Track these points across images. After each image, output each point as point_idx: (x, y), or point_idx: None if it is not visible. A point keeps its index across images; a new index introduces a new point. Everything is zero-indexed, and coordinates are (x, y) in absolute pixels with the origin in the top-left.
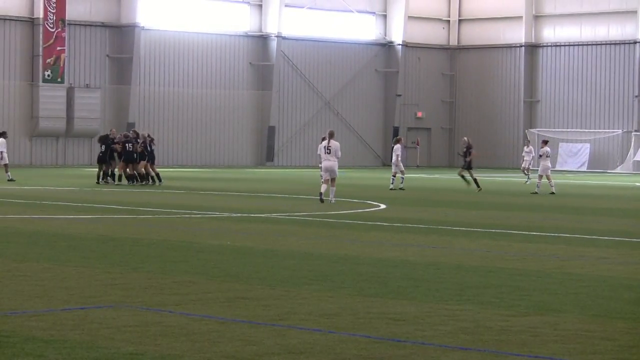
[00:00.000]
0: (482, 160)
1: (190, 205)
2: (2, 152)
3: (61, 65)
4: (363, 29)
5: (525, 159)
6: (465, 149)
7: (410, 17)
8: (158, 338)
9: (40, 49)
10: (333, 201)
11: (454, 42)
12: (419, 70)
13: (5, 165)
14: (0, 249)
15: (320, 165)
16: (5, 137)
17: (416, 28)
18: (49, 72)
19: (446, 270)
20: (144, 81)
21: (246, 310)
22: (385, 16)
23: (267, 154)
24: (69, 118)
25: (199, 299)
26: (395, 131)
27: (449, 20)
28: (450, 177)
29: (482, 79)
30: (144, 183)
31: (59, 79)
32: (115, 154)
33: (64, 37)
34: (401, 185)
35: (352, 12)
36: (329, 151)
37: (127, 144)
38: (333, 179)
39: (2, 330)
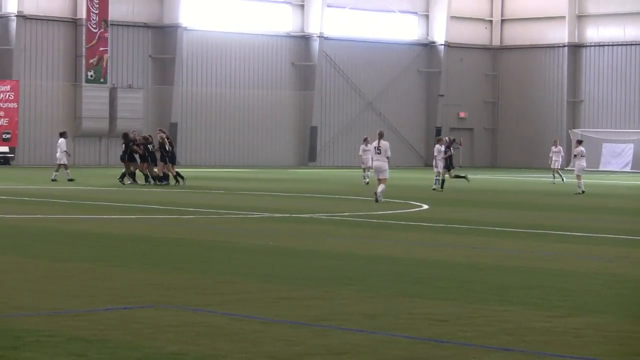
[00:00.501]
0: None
1: (232, 206)
2: (64, 151)
3: (104, 65)
4: (405, 29)
5: (553, 159)
6: (445, 148)
7: (452, 17)
8: (200, 338)
9: (83, 49)
10: (382, 200)
11: (496, 42)
12: (462, 70)
13: (64, 164)
14: (43, 249)
15: (362, 165)
16: (65, 137)
17: (458, 28)
18: (91, 73)
19: (488, 270)
20: (186, 82)
21: (288, 311)
22: (427, 16)
23: (309, 154)
24: (112, 118)
25: (240, 299)
26: (438, 131)
27: (491, 20)
28: (492, 178)
29: (525, 79)
30: (164, 183)
31: (101, 80)
32: (137, 155)
33: (107, 38)
34: (434, 186)
35: (394, 12)
36: (379, 151)
37: (148, 146)
38: (383, 179)
39: (44, 330)
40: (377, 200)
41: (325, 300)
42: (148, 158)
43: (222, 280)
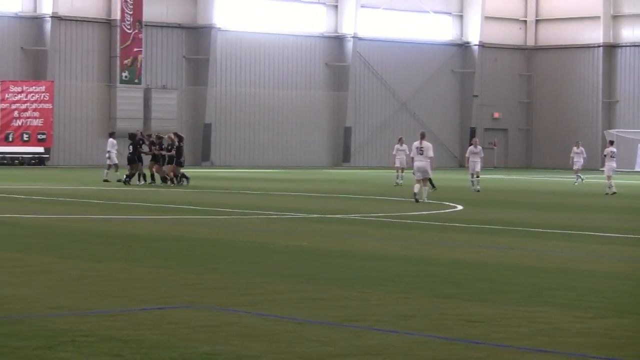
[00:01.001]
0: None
1: (266, 206)
2: (109, 151)
3: (138, 66)
4: (439, 30)
5: (574, 159)
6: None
7: (486, 18)
8: (234, 338)
9: (118, 50)
10: (425, 200)
11: (531, 42)
12: (496, 70)
13: (115, 164)
14: (78, 249)
15: (395, 165)
16: (114, 138)
17: (493, 28)
18: (126, 74)
19: (522, 271)
20: (220, 82)
21: (322, 311)
22: (461, 16)
23: (344, 155)
24: (146, 119)
25: (274, 299)
26: (472, 132)
27: (525, 21)
28: (527, 179)
29: (560, 80)
30: (177, 183)
31: (136, 80)
32: (145, 155)
33: (141, 39)
34: (477, 187)
35: (428, 12)
36: (421, 152)
37: (161, 146)
38: (425, 179)
39: (80, 330)
40: (417, 201)
41: (359, 300)
42: (159, 159)
43: (256, 281)
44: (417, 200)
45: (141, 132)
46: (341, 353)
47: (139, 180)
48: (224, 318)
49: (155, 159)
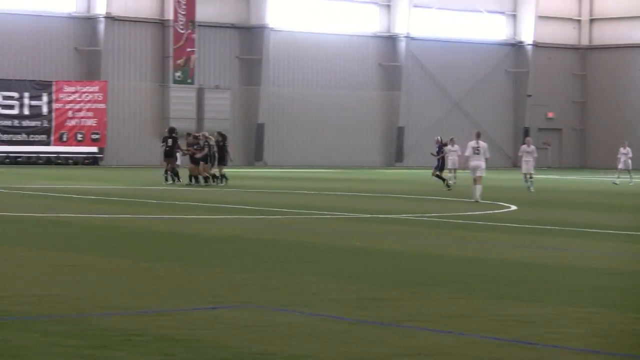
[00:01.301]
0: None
1: (318, 206)
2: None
3: (191, 66)
4: (492, 29)
5: (621, 160)
6: (437, 149)
7: (540, 17)
8: (286, 338)
9: (171, 50)
10: (480, 200)
11: (585, 41)
12: (550, 70)
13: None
14: (132, 249)
15: (447, 166)
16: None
17: (546, 28)
18: (179, 74)
19: (577, 272)
20: (272, 82)
21: (375, 311)
22: (514, 16)
23: (396, 155)
24: (199, 119)
25: (327, 299)
26: (526, 132)
27: (579, 20)
28: (581, 179)
29: (614, 79)
30: (206, 182)
31: (189, 80)
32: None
33: (194, 39)
34: (531, 188)
35: (482, 12)
36: (477, 151)
37: (197, 145)
38: (480, 178)
39: (134, 329)
40: (477, 201)
41: (413, 301)
42: (207, 158)
43: (309, 281)
44: (477, 201)
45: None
46: (393, 353)
47: (166, 179)
48: (276, 318)
49: (193, 159)
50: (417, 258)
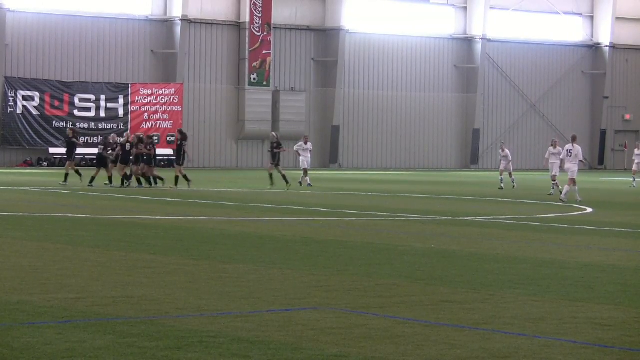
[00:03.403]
0: None
1: (394, 208)
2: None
3: (267, 68)
4: (569, 31)
5: (635, 161)
6: (274, 145)
7: (617, 18)
8: (362, 340)
9: (247, 52)
10: (580, 199)
11: None
12: (627, 72)
13: (304, 169)
14: (208, 250)
15: (551, 174)
16: (306, 141)
17: (624, 29)
18: (254, 76)
19: None
20: (348, 84)
21: (450, 314)
22: (592, 17)
23: (472, 157)
24: (275, 121)
25: (403, 301)
26: (602, 134)
27: None
28: None
29: None
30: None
31: (264, 82)
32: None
33: (270, 41)
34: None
35: (559, 13)
36: (570, 154)
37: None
38: (573, 180)
39: (209, 331)
40: (577, 201)
41: (488, 303)
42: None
43: (385, 283)
44: (577, 201)
45: (113, 136)
46: (469, 356)
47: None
48: (352, 320)
49: (137, 160)
50: (493, 260)
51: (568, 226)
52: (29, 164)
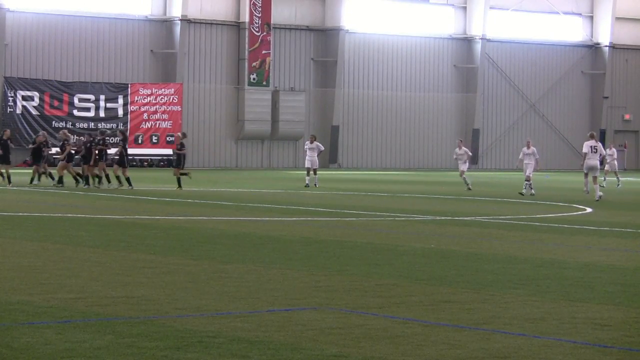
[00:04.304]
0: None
1: (394, 208)
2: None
3: (266, 68)
4: (569, 31)
5: (608, 161)
6: (179, 146)
7: (617, 18)
8: (362, 340)
9: (246, 52)
10: (598, 197)
11: None
12: (627, 72)
13: (315, 169)
14: (207, 250)
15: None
16: (312, 141)
17: (624, 29)
18: (254, 76)
19: None
20: (348, 84)
21: (450, 314)
22: (591, 17)
23: (472, 157)
24: (274, 121)
25: (402, 301)
26: (602, 134)
27: None
28: None
29: None
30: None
31: (264, 82)
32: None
33: (270, 41)
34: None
35: (558, 13)
36: (595, 150)
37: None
38: (595, 177)
39: (208, 331)
40: (587, 192)
41: (488, 303)
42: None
43: (384, 283)
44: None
45: (44, 134)
46: (469, 356)
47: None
48: (352, 320)
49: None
50: (492, 260)
51: (568, 226)
52: (29, 164)
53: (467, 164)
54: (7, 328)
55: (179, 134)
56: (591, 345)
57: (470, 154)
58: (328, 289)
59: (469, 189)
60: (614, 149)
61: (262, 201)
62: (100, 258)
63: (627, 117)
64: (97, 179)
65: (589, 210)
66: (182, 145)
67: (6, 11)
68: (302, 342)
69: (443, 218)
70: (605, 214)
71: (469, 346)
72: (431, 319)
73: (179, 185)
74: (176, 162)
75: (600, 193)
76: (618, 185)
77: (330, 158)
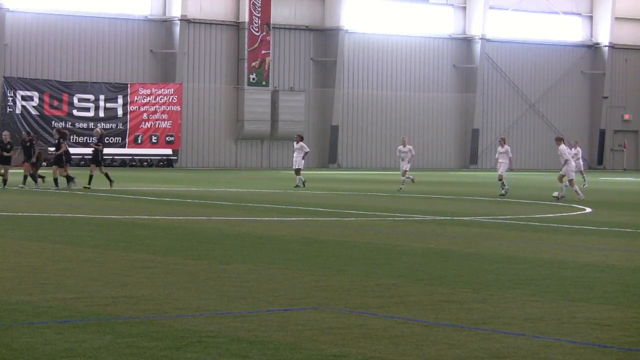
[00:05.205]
0: None
1: (393, 208)
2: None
3: (266, 68)
4: (569, 31)
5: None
6: (97, 141)
7: (617, 18)
8: (361, 340)
9: (246, 52)
10: (558, 195)
11: None
12: (626, 72)
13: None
14: (207, 250)
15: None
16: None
17: (623, 29)
18: (254, 76)
19: None
20: (347, 84)
21: (450, 314)
22: (591, 17)
23: (471, 157)
24: (273, 121)
25: (402, 301)
26: (602, 134)
27: None
28: None
29: None
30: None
31: (263, 82)
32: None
33: (269, 41)
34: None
35: (558, 13)
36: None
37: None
38: (562, 176)
39: (208, 331)
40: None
41: (488, 303)
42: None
43: (384, 283)
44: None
45: (29, 133)
46: (468, 356)
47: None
48: (352, 320)
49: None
50: (492, 260)
51: (567, 226)
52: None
53: (410, 163)
54: (6, 328)
55: (99, 129)
56: (591, 345)
57: (414, 153)
58: (327, 288)
59: (401, 189)
60: (578, 148)
61: (261, 201)
62: (100, 258)
63: (626, 117)
64: (41, 179)
65: (588, 210)
66: (100, 140)
67: (6, 11)
68: (302, 342)
69: (443, 218)
70: (604, 214)
71: (468, 346)
72: (431, 319)
73: (89, 184)
74: (94, 158)
75: (563, 193)
76: (584, 185)
77: (329, 158)
